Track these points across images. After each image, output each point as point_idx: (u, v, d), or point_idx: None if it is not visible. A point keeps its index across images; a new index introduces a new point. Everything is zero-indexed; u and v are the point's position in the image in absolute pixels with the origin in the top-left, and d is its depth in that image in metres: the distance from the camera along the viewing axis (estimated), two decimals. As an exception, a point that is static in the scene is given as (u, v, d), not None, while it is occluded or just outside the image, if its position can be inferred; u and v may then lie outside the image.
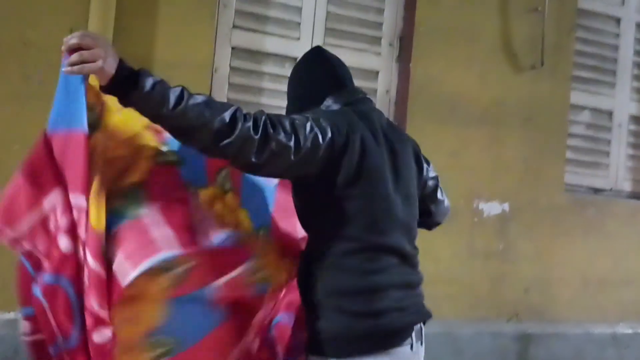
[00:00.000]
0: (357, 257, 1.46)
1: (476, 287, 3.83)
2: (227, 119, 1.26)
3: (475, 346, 3.75)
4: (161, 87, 1.24)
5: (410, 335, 1.53)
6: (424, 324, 1.64)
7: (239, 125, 1.26)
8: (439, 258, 3.72)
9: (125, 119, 1.43)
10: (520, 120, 3.97)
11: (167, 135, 1.39)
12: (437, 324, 3.79)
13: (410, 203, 1.61)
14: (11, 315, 2.87)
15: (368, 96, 1.64)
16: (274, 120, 1.32)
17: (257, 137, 1.28)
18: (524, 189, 3.99)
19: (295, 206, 1.53)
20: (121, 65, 1.23)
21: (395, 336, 1.50)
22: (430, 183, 1.75)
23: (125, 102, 1.26)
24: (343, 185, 1.42)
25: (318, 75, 1.55)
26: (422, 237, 3.63)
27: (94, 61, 1.20)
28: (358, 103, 1.54)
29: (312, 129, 1.35)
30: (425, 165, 1.73)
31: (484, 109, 3.86)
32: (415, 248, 1.66)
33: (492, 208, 3.90)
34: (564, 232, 4.07)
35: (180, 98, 1.24)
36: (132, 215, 1.39)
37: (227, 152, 1.29)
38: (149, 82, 1.23)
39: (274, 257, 1.56)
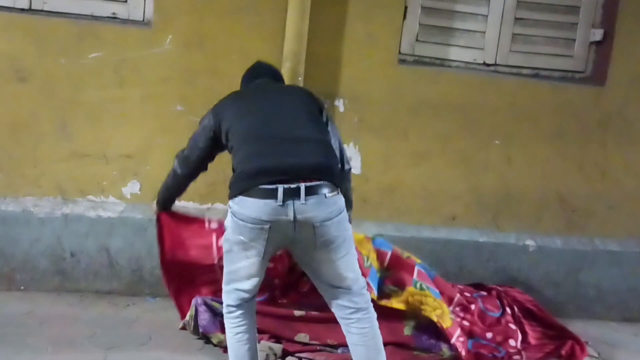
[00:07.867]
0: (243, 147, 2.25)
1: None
2: (172, 176, 2.59)
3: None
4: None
5: (278, 187, 2.09)
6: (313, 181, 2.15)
7: (175, 172, 2.56)
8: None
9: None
10: None
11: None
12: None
13: (291, 111, 2.34)
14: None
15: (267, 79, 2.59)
16: (182, 152, 2.52)
17: (179, 163, 2.54)
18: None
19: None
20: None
21: (261, 175, 2.10)
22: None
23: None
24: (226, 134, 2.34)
25: (246, 74, 2.66)
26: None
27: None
28: (250, 84, 2.57)
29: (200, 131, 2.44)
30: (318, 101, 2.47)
31: None
32: (307, 135, 2.27)
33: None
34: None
35: (162, 194, 2.71)
36: None
37: (181, 177, 2.56)
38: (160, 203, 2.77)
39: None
